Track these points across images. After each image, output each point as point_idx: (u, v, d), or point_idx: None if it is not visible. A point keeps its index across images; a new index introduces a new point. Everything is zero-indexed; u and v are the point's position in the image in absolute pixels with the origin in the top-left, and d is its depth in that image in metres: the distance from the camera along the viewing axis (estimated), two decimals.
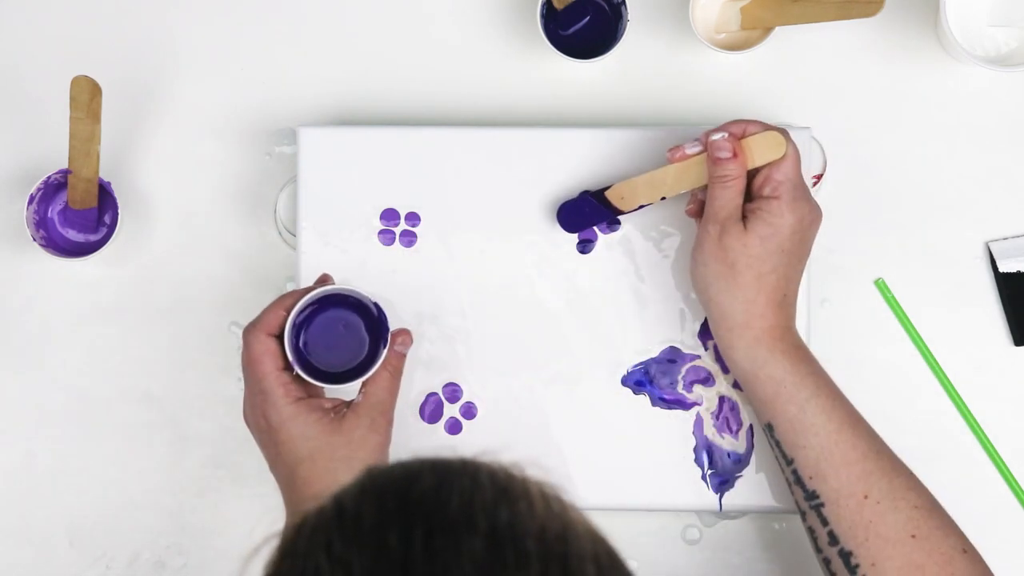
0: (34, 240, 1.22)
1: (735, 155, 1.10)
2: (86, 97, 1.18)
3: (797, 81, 1.27)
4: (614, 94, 1.27)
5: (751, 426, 1.20)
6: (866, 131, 1.26)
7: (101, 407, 1.25)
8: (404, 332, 1.15)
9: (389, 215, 1.21)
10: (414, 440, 1.20)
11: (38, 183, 1.22)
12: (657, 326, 1.21)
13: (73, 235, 1.25)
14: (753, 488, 1.20)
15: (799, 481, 1.09)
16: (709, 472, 1.20)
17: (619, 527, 1.22)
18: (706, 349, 1.21)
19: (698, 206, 1.15)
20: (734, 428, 1.20)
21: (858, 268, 1.26)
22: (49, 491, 1.25)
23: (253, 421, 1.12)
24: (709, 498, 1.20)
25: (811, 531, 1.09)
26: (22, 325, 1.26)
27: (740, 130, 1.11)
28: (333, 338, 1.14)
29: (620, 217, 1.20)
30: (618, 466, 1.20)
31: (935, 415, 1.25)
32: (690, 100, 1.27)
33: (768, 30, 1.22)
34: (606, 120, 1.26)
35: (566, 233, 1.21)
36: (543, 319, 1.21)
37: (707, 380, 1.21)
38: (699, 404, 1.20)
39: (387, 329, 1.13)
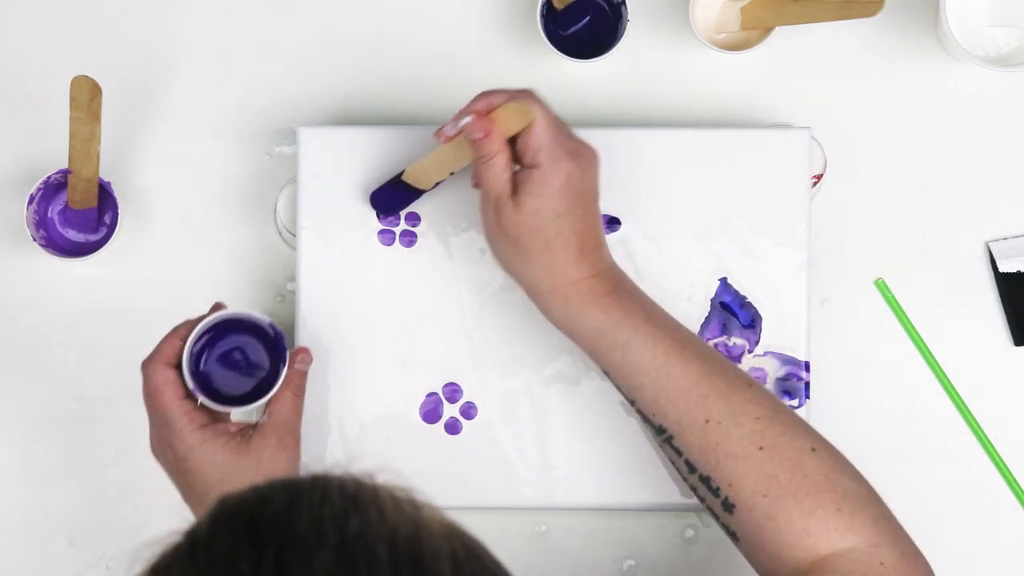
0: (34, 240, 1.22)
1: (487, 133, 1.08)
2: (86, 97, 1.18)
3: (797, 81, 1.27)
4: (614, 94, 1.27)
5: None
6: (866, 131, 1.26)
7: (101, 407, 1.25)
8: (303, 350, 1.16)
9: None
10: (414, 440, 1.20)
11: (38, 183, 1.22)
12: None
13: (73, 235, 1.25)
14: None
15: (646, 419, 1.09)
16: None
17: (619, 527, 1.23)
18: None
19: (477, 178, 1.13)
20: None
21: (858, 268, 1.26)
22: (49, 491, 1.25)
23: (160, 453, 1.12)
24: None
25: (673, 463, 1.09)
26: (22, 325, 1.26)
27: (485, 105, 1.09)
28: (233, 363, 1.15)
29: (618, 219, 1.20)
30: (618, 466, 1.20)
31: (935, 415, 1.25)
32: (690, 100, 1.27)
33: (768, 30, 1.22)
34: (606, 120, 1.26)
35: None
36: (543, 319, 1.21)
37: None
38: None
39: (284, 349, 1.14)
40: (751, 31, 1.24)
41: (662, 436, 1.08)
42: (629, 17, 1.22)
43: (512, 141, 1.09)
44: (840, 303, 1.25)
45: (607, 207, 1.21)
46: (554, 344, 1.21)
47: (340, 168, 1.21)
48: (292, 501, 0.73)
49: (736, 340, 1.21)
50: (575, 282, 1.09)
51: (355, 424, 1.20)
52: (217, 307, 1.17)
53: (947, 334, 1.25)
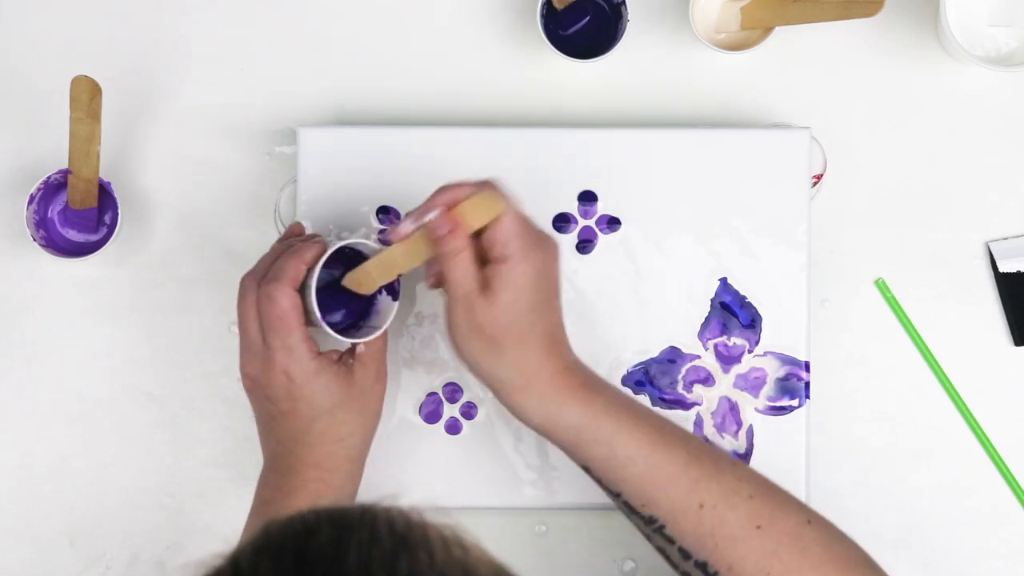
0: (34, 240, 1.22)
1: (454, 228, 1.04)
2: (86, 97, 1.18)
3: (797, 81, 1.27)
4: (614, 94, 1.27)
5: (751, 426, 1.20)
6: (866, 131, 1.26)
7: (101, 407, 1.25)
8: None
9: (389, 215, 1.21)
10: (414, 440, 1.20)
11: (38, 183, 1.22)
12: (657, 326, 1.21)
13: (73, 235, 1.25)
14: None
15: (633, 511, 1.07)
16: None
17: (619, 527, 1.23)
18: (706, 349, 1.21)
19: (436, 278, 1.08)
20: (734, 428, 1.20)
21: (858, 268, 1.26)
22: (49, 491, 1.25)
23: (269, 378, 1.10)
24: None
25: (662, 551, 1.07)
26: (22, 325, 1.26)
27: (451, 198, 1.05)
28: (331, 291, 1.13)
29: (618, 219, 1.20)
30: None
31: (935, 415, 1.25)
32: (690, 100, 1.27)
33: (768, 30, 1.22)
34: (606, 120, 1.26)
35: (566, 235, 1.21)
36: None
37: (707, 380, 1.21)
38: (699, 404, 1.21)
39: (398, 283, 1.12)
40: (751, 31, 1.24)
41: (652, 526, 1.06)
42: (629, 17, 1.22)
43: (475, 236, 1.05)
44: (840, 303, 1.25)
45: (607, 207, 1.21)
46: None
47: (340, 168, 1.21)
48: (340, 536, 0.71)
49: (736, 340, 1.21)
50: (549, 377, 1.06)
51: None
52: (297, 227, 1.16)
53: (947, 334, 1.25)
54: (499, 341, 1.05)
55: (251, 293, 1.11)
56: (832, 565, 1.04)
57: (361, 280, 1.11)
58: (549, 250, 1.07)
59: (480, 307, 1.04)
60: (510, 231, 1.04)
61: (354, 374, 1.12)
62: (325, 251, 1.10)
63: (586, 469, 1.08)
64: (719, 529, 1.04)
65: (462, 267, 1.04)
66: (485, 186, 1.06)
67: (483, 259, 1.06)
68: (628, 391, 1.20)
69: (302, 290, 1.10)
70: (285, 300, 1.09)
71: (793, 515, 1.05)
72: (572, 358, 1.08)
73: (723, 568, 1.04)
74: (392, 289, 1.13)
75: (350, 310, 1.15)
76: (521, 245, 1.05)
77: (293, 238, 1.16)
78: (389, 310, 1.13)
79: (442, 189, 1.06)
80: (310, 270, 1.10)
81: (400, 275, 1.10)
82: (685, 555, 1.06)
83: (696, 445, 1.07)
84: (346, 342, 1.12)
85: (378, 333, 1.13)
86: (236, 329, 1.25)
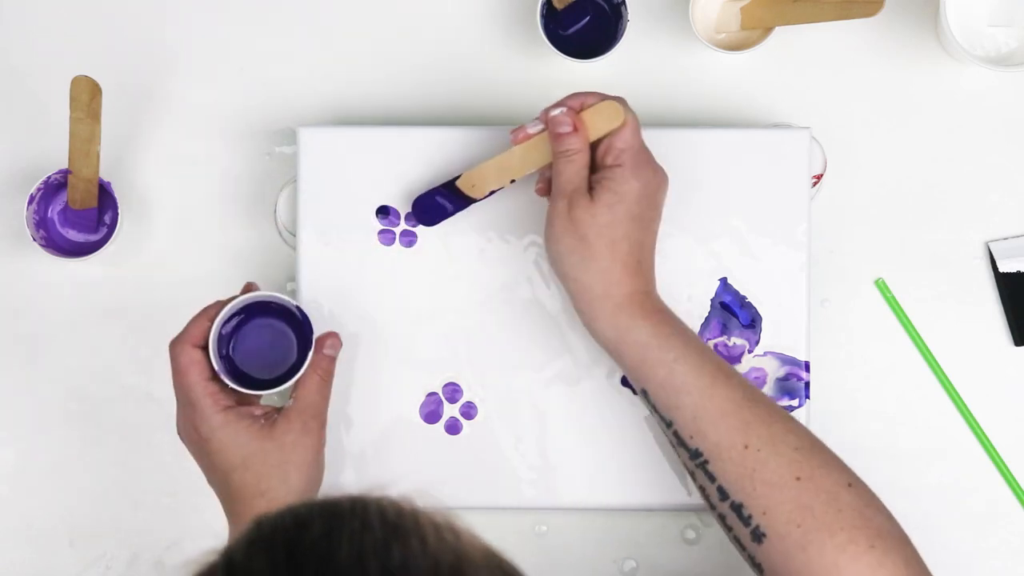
0: (34, 240, 1.22)
1: (575, 129, 1.10)
2: (86, 97, 1.18)
3: (797, 81, 1.27)
4: (614, 94, 1.27)
5: None
6: (866, 131, 1.26)
7: (101, 407, 1.25)
8: (332, 335, 1.16)
9: (389, 215, 1.21)
10: (414, 440, 1.20)
11: (38, 183, 1.22)
12: None
13: (73, 235, 1.25)
14: None
15: (681, 442, 1.08)
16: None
17: (619, 527, 1.23)
18: None
19: (546, 184, 1.15)
20: None
21: (858, 268, 1.26)
22: (49, 491, 1.25)
23: (185, 434, 1.13)
24: None
25: (703, 490, 1.09)
26: (22, 325, 1.26)
27: (578, 103, 1.11)
28: (262, 346, 1.16)
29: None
30: (618, 466, 1.20)
31: (935, 415, 1.25)
32: (690, 100, 1.27)
33: (768, 30, 1.22)
34: None
35: None
36: (543, 319, 1.21)
37: None
38: None
39: (311, 332, 1.14)
40: (751, 31, 1.24)
41: (697, 460, 1.08)
42: (629, 17, 1.22)
43: (592, 148, 1.11)
44: (840, 303, 1.25)
45: None
46: (554, 344, 1.21)
47: (340, 168, 1.21)
48: (332, 527, 0.72)
49: (736, 340, 1.21)
50: (629, 293, 1.09)
51: (355, 424, 1.20)
52: (249, 287, 1.17)
53: (947, 334, 1.25)
54: (591, 243, 1.09)
55: (170, 358, 1.13)
56: (864, 531, 1.04)
57: (475, 182, 1.16)
58: (659, 174, 1.12)
59: (582, 205, 1.09)
60: (627, 141, 1.10)
61: (275, 427, 1.12)
62: (228, 304, 1.13)
63: (644, 393, 1.10)
64: (759, 473, 1.05)
65: (574, 167, 1.10)
66: (613, 98, 1.11)
67: (595, 170, 1.11)
68: (628, 391, 1.19)
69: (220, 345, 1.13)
70: (183, 357, 1.12)
71: (835, 474, 1.06)
72: (654, 287, 1.12)
73: (757, 512, 1.05)
74: (307, 344, 1.14)
75: (287, 365, 1.16)
76: (633, 157, 1.10)
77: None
78: (307, 364, 1.14)
79: (573, 94, 1.11)
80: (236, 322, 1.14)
81: (513, 181, 1.14)
82: (723, 495, 1.07)
83: (754, 391, 1.09)
84: (246, 392, 1.13)
85: (283, 387, 1.13)
86: None
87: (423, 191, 1.19)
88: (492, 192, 1.16)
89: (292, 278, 1.25)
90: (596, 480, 1.20)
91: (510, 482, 1.20)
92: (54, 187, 1.23)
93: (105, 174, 1.23)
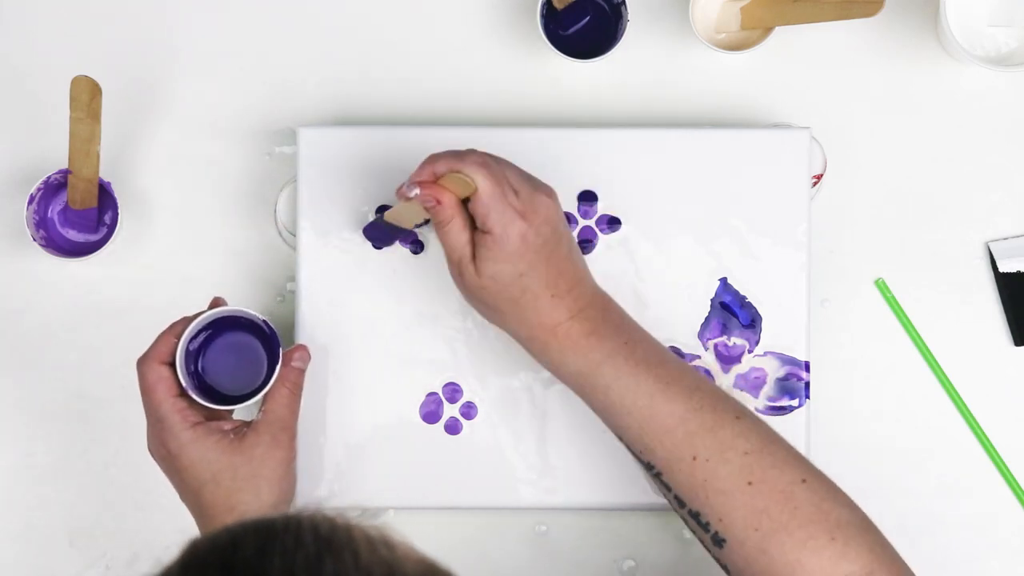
0: (34, 240, 1.22)
1: (438, 201, 1.07)
2: (86, 97, 1.18)
3: (797, 81, 1.27)
4: (614, 94, 1.27)
5: None
6: (866, 131, 1.26)
7: (101, 407, 1.25)
8: (300, 348, 1.16)
9: None
10: (414, 440, 1.20)
11: (38, 183, 1.22)
12: (657, 326, 1.21)
13: (73, 235, 1.25)
14: None
15: (634, 455, 1.09)
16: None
17: (619, 527, 1.23)
18: (706, 349, 1.21)
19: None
20: None
21: (858, 268, 1.26)
22: (49, 491, 1.25)
23: (155, 450, 1.13)
24: None
25: (664, 496, 1.09)
26: (22, 325, 1.26)
27: (430, 174, 1.07)
28: (231, 361, 1.16)
29: (618, 219, 1.20)
30: (618, 466, 1.20)
31: (935, 415, 1.25)
32: (690, 100, 1.27)
33: (768, 30, 1.22)
34: (606, 120, 1.26)
35: None
36: None
37: None
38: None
39: (279, 346, 1.14)
40: (751, 31, 1.24)
41: (651, 472, 1.08)
42: (629, 17, 1.22)
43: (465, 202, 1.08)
44: (840, 303, 1.25)
45: (607, 207, 1.21)
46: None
47: (340, 168, 1.21)
48: (264, 545, 0.72)
49: (736, 340, 1.21)
50: (552, 328, 1.08)
51: (355, 424, 1.20)
52: (216, 302, 1.17)
53: (947, 334, 1.25)
54: (495, 306, 1.08)
55: (138, 375, 1.13)
56: (822, 525, 1.04)
57: (400, 219, 1.14)
58: (536, 212, 1.07)
59: (470, 275, 1.08)
60: (487, 205, 1.06)
61: (244, 441, 1.12)
62: (193, 320, 1.13)
63: (595, 412, 1.10)
64: (711, 482, 1.05)
65: (452, 236, 1.08)
66: (466, 156, 1.07)
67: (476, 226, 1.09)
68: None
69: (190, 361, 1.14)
70: (150, 374, 1.12)
71: (788, 473, 1.06)
72: (584, 302, 1.09)
73: (714, 519, 1.05)
74: (277, 355, 1.14)
75: (257, 379, 1.16)
76: (499, 219, 1.06)
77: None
78: (275, 377, 1.14)
79: (426, 162, 1.08)
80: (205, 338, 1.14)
81: (417, 225, 1.16)
82: (680, 503, 1.07)
83: (702, 396, 1.08)
84: (215, 408, 1.13)
85: (251, 401, 1.13)
86: None
87: (370, 221, 1.19)
88: (418, 226, 1.17)
89: (292, 278, 1.25)
90: (596, 480, 1.20)
91: (510, 482, 1.20)
92: (54, 187, 1.23)
93: (105, 174, 1.23)
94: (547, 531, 1.24)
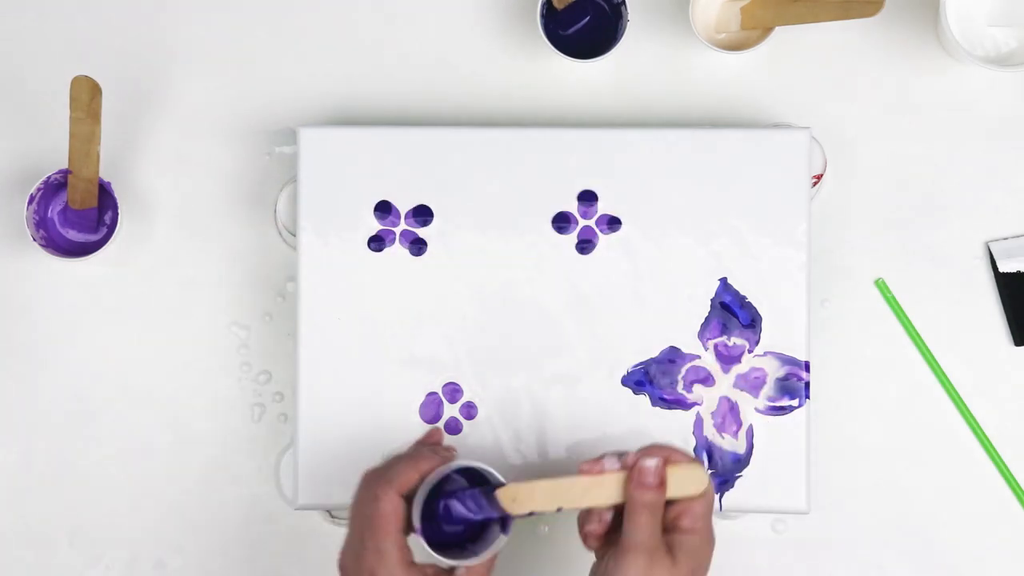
0: (34, 240, 1.22)
1: (662, 483, 1.06)
2: (86, 97, 1.18)
3: (797, 81, 1.27)
4: (614, 94, 1.27)
5: (751, 426, 1.20)
6: (866, 131, 1.26)
7: (101, 407, 1.25)
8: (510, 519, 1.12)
9: (389, 214, 1.21)
10: (415, 440, 1.20)
11: (38, 183, 1.22)
12: (657, 326, 1.21)
13: (73, 235, 1.25)
14: (753, 488, 1.20)
15: None
16: (709, 472, 1.20)
17: None
18: (706, 349, 1.21)
19: (603, 527, 1.09)
20: (734, 428, 1.20)
21: (858, 268, 1.26)
22: (49, 491, 1.25)
23: (354, 571, 1.09)
24: None
25: None
26: (22, 325, 1.26)
27: (664, 456, 1.07)
28: (443, 510, 1.10)
29: (618, 219, 1.20)
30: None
31: (935, 415, 1.25)
32: (690, 100, 1.27)
33: (768, 30, 1.22)
34: (606, 120, 1.26)
35: (566, 235, 1.21)
36: (543, 319, 1.21)
37: (707, 380, 1.21)
38: (699, 404, 1.21)
39: (509, 523, 1.09)
40: (751, 31, 1.24)
41: None
42: (629, 17, 1.22)
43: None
44: (840, 303, 1.25)
45: (607, 207, 1.21)
46: (554, 344, 1.21)
47: (340, 168, 1.21)
48: None
49: (736, 340, 1.21)
50: None
51: (355, 425, 1.20)
52: (436, 437, 1.16)
53: (947, 334, 1.25)
54: None
55: (364, 489, 1.10)
56: None
57: (520, 497, 1.07)
58: (713, 546, 1.09)
59: (664, 564, 1.06)
60: (708, 509, 1.07)
61: None
62: (444, 464, 1.09)
63: None
64: None
65: (656, 522, 1.06)
66: (696, 462, 1.08)
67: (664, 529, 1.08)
68: (628, 391, 1.19)
69: (419, 497, 1.08)
70: (387, 504, 1.08)
71: None
72: None
73: None
74: (506, 523, 1.09)
75: (465, 529, 1.11)
76: (708, 527, 1.08)
77: (428, 445, 1.16)
78: (497, 542, 1.09)
79: (657, 446, 1.08)
80: (430, 480, 1.09)
81: (560, 509, 1.07)
82: None
83: None
84: (441, 561, 1.09)
85: (474, 561, 1.09)
86: (236, 329, 1.26)
87: (452, 488, 1.10)
88: (531, 513, 1.07)
89: (292, 278, 1.25)
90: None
91: (509, 482, 1.20)
92: (54, 187, 1.23)
93: (105, 174, 1.23)
94: (547, 531, 1.24)
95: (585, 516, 1.09)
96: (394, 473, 1.09)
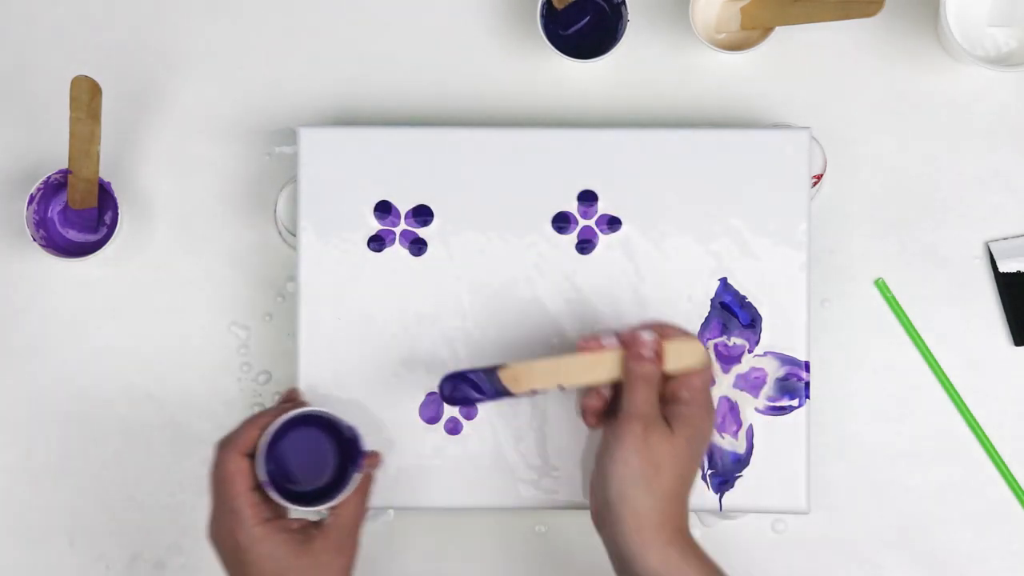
0: (34, 240, 1.22)
1: (658, 356, 1.10)
2: (86, 97, 1.18)
3: (797, 81, 1.27)
4: (614, 94, 1.27)
5: (751, 426, 1.20)
6: (866, 131, 1.26)
7: (101, 407, 1.25)
8: (375, 455, 1.15)
9: (389, 214, 1.21)
10: (415, 440, 1.20)
11: (38, 183, 1.22)
12: None
13: (73, 235, 1.25)
14: (753, 488, 1.20)
15: None
16: (709, 472, 1.20)
17: None
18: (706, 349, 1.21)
19: (602, 402, 1.12)
20: (734, 428, 1.20)
21: (858, 268, 1.26)
22: (49, 491, 1.25)
23: (219, 539, 1.12)
24: (709, 498, 1.20)
25: None
26: (22, 325, 1.26)
27: (660, 331, 1.11)
28: (301, 457, 1.13)
29: (618, 219, 1.20)
30: None
31: (935, 415, 1.25)
32: (690, 100, 1.27)
33: (768, 30, 1.22)
34: (606, 120, 1.26)
35: (566, 235, 1.21)
36: (543, 319, 1.21)
37: None
38: None
39: (360, 454, 1.13)
40: (751, 31, 1.24)
41: None
42: (629, 17, 1.22)
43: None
44: (840, 303, 1.25)
45: (607, 207, 1.21)
46: (554, 344, 1.20)
47: (340, 168, 1.21)
48: None
49: (736, 340, 1.21)
50: (679, 527, 1.09)
51: (355, 425, 1.20)
52: (292, 394, 1.17)
53: (947, 334, 1.25)
54: (663, 472, 1.08)
55: (214, 458, 1.12)
56: None
57: (521, 377, 1.11)
58: (713, 418, 1.13)
59: (660, 432, 1.08)
60: (705, 382, 1.11)
61: (312, 543, 1.11)
62: (281, 416, 1.11)
63: None
64: None
65: (653, 393, 1.10)
66: (692, 337, 1.11)
67: (661, 401, 1.11)
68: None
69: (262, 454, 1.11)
70: (231, 464, 1.10)
71: None
72: (688, 520, 1.11)
73: None
74: (358, 463, 1.12)
75: (322, 477, 1.14)
76: (706, 400, 1.11)
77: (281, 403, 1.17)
78: (352, 482, 1.12)
79: (655, 322, 1.12)
80: (273, 432, 1.11)
81: (561, 387, 1.11)
82: None
83: None
84: (295, 509, 1.11)
85: (326, 506, 1.11)
86: (236, 329, 1.26)
87: (455, 371, 1.14)
88: (533, 391, 1.12)
89: (292, 278, 1.25)
90: None
91: (509, 482, 1.20)
92: (54, 187, 1.23)
93: (105, 174, 1.23)
94: (547, 531, 1.24)
95: (585, 391, 1.13)
96: (233, 434, 1.12)
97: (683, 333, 1.12)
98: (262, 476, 1.10)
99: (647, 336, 1.10)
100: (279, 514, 1.12)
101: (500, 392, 1.12)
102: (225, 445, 1.11)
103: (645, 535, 1.08)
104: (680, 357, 1.10)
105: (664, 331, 1.11)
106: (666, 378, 1.11)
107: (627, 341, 1.10)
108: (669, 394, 1.11)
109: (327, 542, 1.11)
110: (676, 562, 1.07)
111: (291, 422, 1.13)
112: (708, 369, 1.11)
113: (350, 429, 1.13)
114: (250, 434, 1.11)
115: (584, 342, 1.11)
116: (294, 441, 1.13)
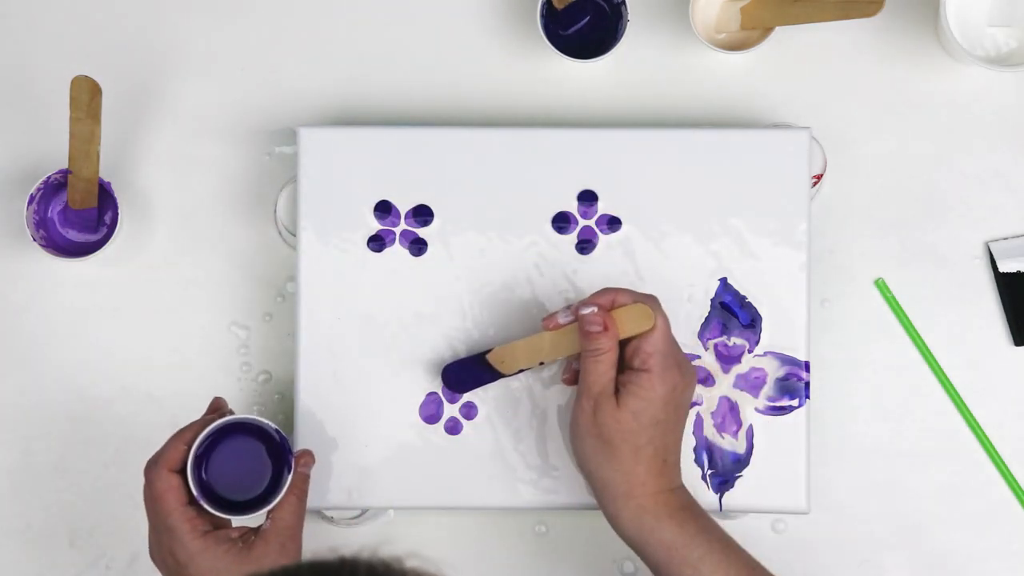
0: (34, 240, 1.22)
1: (605, 328, 1.10)
2: (86, 97, 1.18)
3: (797, 81, 1.27)
4: (614, 94, 1.27)
5: (751, 426, 1.20)
6: (866, 131, 1.26)
7: (101, 407, 1.25)
8: (306, 453, 1.15)
9: (389, 214, 1.21)
10: (414, 440, 1.20)
11: (38, 183, 1.22)
12: None
13: (73, 235, 1.25)
14: (753, 488, 1.20)
15: None
16: (709, 472, 1.20)
17: None
18: (706, 349, 1.21)
19: (573, 375, 1.16)
20: (734, 428, 1.20)
21: (858, 268, 1.26)
22: (49, 491, 1.25)
23: (160, 559, 1.11)
24: (709, 498, 1.20)
25: None
26: (22, 325, 1.26)
27: (609, 301, 1.11)
28: (235, 467, 1.13)
29: (618, 219, 1.20)
30: None
31: (935, 415, 1.25)
32: (690, 100, 1.27)
33: (768, 30, 1.22)
34: (606, 120, 1.26)
35: (566, 235, 1.21)
36: (543, 319, 1.21)
37: (707, 380, 1.21)
38: (699, 404, 1.21)
39: (290, 454, 1.13)
40: (751, 31, 1.24)
41: None
42: (629, 17, 1.22)
43: (620, 345, 1.11)
44: (840, 303, 1.25)
45: (607, 207, 1.21)
46: None
47: (340, 168, 1.21)
48: None
49: (736, 340, 1.21)
50: (653, 492, 1.10)
51: (355, 425, 1.20)
52: (217, 404, 1.16)
53: (947, 334, 1.25)
54: (616, 445, 1.09)
55: (144, 479, 1.12)
56: None
57: (505, 358, 1.16)
58: (686, 375, 1.12)
59: (607, 408, 1.09)
60: (655, 345, 1.10)
61: (253, 549, 1.10)
62: (204, 428, 1.11)
63: None
64: None
65: (602, 367, 1.10)
66: (645, 298, 1.11)
67: (622, 368, 1.11)
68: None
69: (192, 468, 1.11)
70: (159, 483, 1.10)
71: None
72: (679, 482, 1.12)
73: None
74: (290, 465, 1.12)
75: (260, 484, 1.14)
76: (661, 361, 1.10)
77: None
78: (286, 483, 1.12)
79: (605, 290, 1.12)
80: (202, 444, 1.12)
81: (542, 363, 1.15)
82: None
83: None
84: (232, 518, 1.12)
85: (262, 511, 1.12)
86: (236, 329, 1.26)
87: (452, 360, 1.19)
88: (522, 370, 1.16)
89: (292, 278, 1.25)
90: None
91: (510, 482, 1.20)
92: (54, 187, 1.23)
93: (105, 174, 1.23)
94: (547, 531, 1.24)
95: (565, 367, 1.17)
96: (159, 452, 1.12)
97: (632, 296, 1.11)
98: (194, 490, 1.10)
99: (587, 311, 1.11)
100: (219, 524, 1.12)
101: (496, 374, 1.17)
102: (152, 465, 1.11)
103: (618, 504, 1.10)
104: (630, 323, 1.11)
105: (614, 297, 1.11)
106: (624, 344, 1.11)
107: (576, 317, 1.12)
108: (626, 361, 1.11)
109: (268, 546, 1.10)
110: (649, 529, 1.09)
111: (222, 432, 1.13)
112: (658, 330, 1.10)
113: (279, 433, 1.13)
114: (176, 449, 1.11)
115: (545, 321, 1.14)
116: (227, 451, 1.13)
